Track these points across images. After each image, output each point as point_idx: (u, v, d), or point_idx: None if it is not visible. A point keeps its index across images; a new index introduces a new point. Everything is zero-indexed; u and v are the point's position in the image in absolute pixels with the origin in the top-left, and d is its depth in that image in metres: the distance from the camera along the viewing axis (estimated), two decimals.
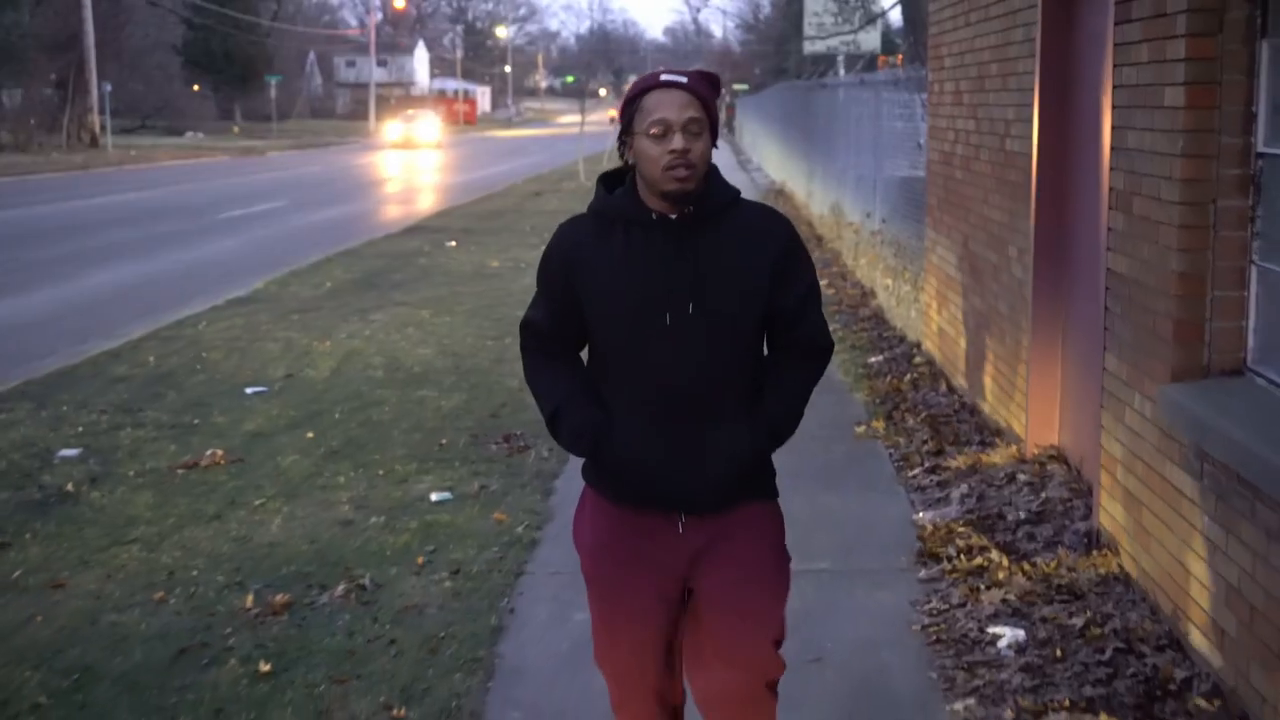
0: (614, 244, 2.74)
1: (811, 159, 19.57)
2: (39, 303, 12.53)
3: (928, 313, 8.82)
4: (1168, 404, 4.22)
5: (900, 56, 20.29)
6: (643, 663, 2.92)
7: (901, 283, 10.20)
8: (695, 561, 2.85)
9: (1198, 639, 4.03)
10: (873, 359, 9.10)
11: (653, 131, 2.64)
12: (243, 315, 11.36)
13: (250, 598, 4.82)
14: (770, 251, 2.76)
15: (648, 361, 2.74)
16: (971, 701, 3.93)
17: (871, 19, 30.18)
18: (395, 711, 3.93)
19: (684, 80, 2.67)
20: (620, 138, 2.73)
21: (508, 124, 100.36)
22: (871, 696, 4.06)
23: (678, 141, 2.63)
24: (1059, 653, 4.14)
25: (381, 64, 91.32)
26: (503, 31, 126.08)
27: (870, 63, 27.36)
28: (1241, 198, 4.14)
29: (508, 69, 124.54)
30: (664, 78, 2.68)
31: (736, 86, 61.16)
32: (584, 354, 2.94)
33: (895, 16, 30.27)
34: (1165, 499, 4.31)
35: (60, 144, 46.05)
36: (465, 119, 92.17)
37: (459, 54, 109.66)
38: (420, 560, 5.23)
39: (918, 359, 8.82)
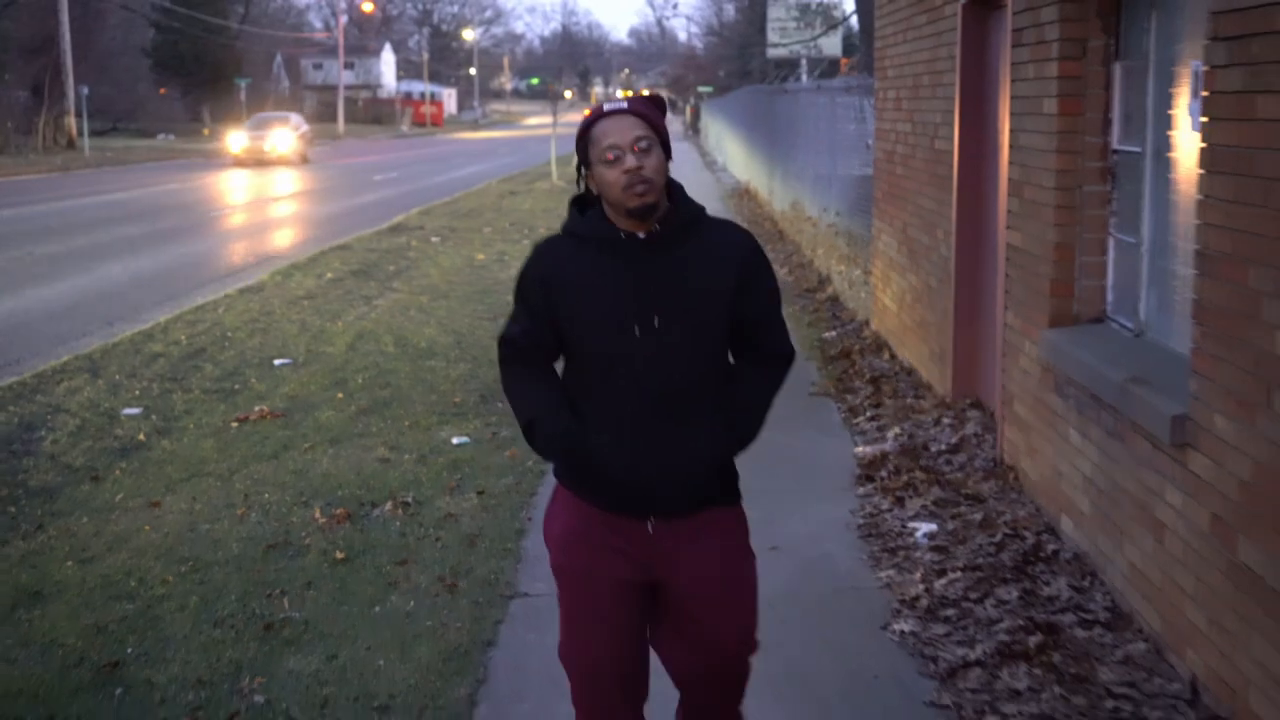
0: (587, 263, 2.87)
1: (773, 159, 20.65)
2: (63, 292, 13.54)
3: (875, 293, 10.02)
4: (1046, 345, 5.42)
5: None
6: (614, 651, 3.01)
7: (854, 268, 11.40)
8: (666, 561, 2.97)
9: (1065, 522, 5.24)
10: (827, 334, 10.29)
11: (607, 158, 2.79)
12: (256, 301, 12.44)
13: (317, 511, 5.96)
14: (734, 263, 2.90)
15: (620, 373, 2.86)
16: (891, 571, 5.12)
17: (832, 25, 31.37)
18: (449, 582, 5.08)
19: (624, 105, 2.85)
20: (578, 170, 2.91)
21: (474, 126, 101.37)
22: (816, 572, 5.23)
23: (630, 161, 2.77)
24: (961, 537, 5.34)
25: (349, 66, 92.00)
26: (469, 34, 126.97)
27: (832, 66, 28.46)
28: (1102, 184, 5.35)
29: (473, 71, 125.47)
30: (606, 107, 2.86)
31: (701, 89, 62.46)
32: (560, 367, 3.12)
33: (856, 22, 31.46)
34: (1045, 421, 5.51)
35: (35, 146, 46.62)
36: (432, 121, 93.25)
37: (425, 56, 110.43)
38: (451, 485, 6.38)
39: (865, 333, 10.03)
